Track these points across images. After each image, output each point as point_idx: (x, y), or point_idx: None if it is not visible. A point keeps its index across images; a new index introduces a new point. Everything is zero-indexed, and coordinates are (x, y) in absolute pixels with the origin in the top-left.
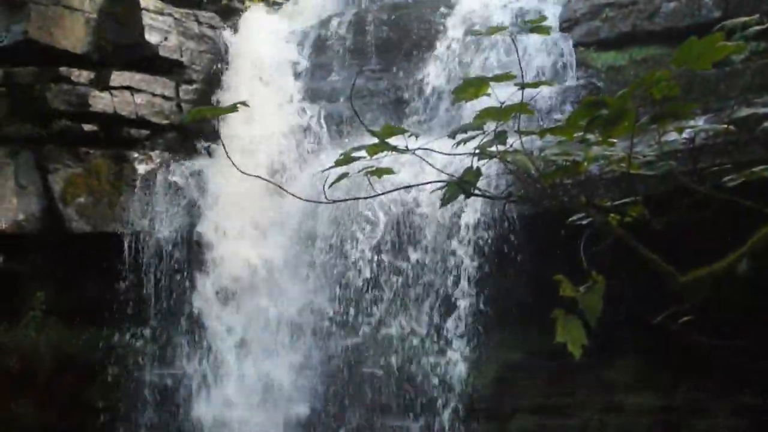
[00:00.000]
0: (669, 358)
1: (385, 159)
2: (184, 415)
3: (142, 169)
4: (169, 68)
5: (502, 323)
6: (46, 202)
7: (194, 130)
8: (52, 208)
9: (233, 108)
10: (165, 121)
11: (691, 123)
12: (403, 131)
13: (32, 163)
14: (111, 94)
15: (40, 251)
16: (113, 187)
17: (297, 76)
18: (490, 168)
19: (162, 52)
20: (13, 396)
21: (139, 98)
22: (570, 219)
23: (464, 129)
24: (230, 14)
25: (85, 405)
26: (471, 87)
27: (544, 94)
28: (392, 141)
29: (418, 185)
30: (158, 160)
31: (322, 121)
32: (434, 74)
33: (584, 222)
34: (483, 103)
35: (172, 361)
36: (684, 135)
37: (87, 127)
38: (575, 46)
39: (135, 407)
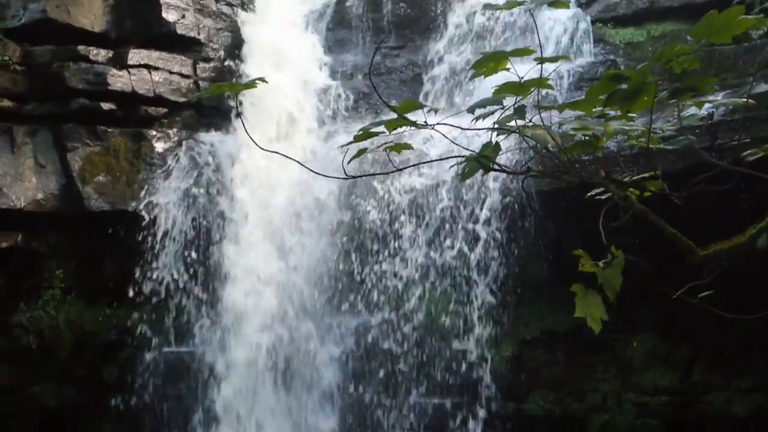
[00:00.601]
0: (686, 335)
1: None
2: (201, 392)
3: (159, 147)
4: (187, 46)
5: (520, 300)
6: (65, 180)
7: (211, 108)
8: (70, 186)
9: (252, 84)
10: (182, 99)
11: (711, 98)
12: (421, 106)
13: (51, 142)
14: (129, 73)
15: (59, 229)
16: (131, 165)
17: (314, 53)
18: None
19: (179, 30)
20: (33, 373)
21: (156, 76)
22: (589, 194)
23: (483, 104)
24: None
25: (102, 382)
26: (490, 61)
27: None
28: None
29: (437, 160)
30: (176, 138)
31: (341, 97)
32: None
33: (603, 197)
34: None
35: (190, 338)
36: (704, 110)
37: (105, 105)
38: (593, 22)
39: (152, 384)
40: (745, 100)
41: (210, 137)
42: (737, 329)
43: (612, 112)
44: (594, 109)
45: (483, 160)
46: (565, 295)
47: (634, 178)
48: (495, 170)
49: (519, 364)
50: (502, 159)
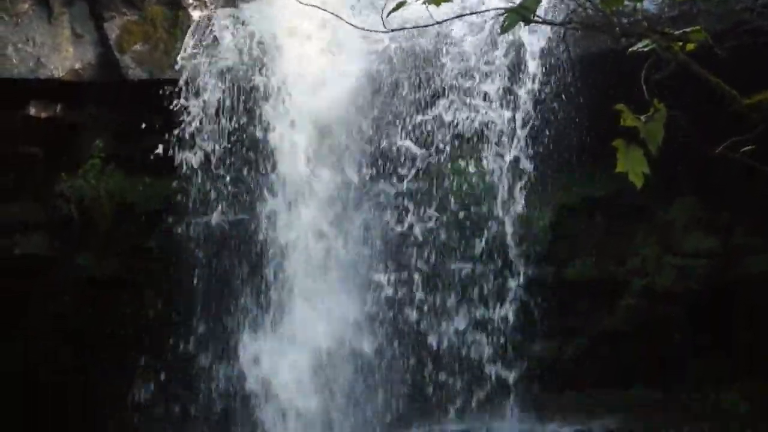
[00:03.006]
0: (727, 197)
1: None
2: (249, 260)
3: (197, 15)
4: None
5: (560, 166)
6: (102, 50)
7: None
8: (108, 55)
9: None
10: None
11: None
12: None
13: (87, 12)
14: None
15: (98, 100)
16: (169, 34)
17: None
18: None
19: None
20: (75, 244)
21: None
22: (631, 48)
23: None
24: None
25: (144, 252)
26: None
27: None
28: None
29: (478, 13)
30: (213, 6)
31: None
32: None
33: (645, 48)
34: None
35: (234, 207)
36: None
37: None
38: None
39: (195, 253)
40: None
41: (248, 5)
42: None
43: None
44: None
45: (523, 11)
46: (604, 161)
47: (677, 32)
48: (536, 22)
49: (558, 229)
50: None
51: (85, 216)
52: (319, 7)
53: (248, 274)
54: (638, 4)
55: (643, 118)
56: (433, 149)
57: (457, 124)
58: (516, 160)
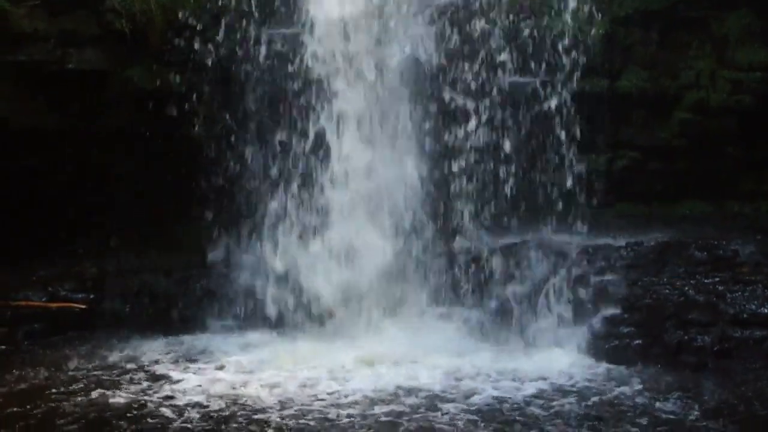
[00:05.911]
0: None
1: None
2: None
3: None
4: None
5: None
6: None
7: None
8: None
9: None
10: None
11: None
12: None
13: None
14: None
15: None
16: None
17: None
18: None
19: None
20: (127, 57)
21: None
22: None
23: None
24: None
25: (197, 63)
26: None
27: None
28: None
29: None
30: None
31: None
32: None
33: None
34: None
35: (286, 19)
36: None
37: None
38: None
39: (251, 67)
40: None
41: None
42: None
43: None
44: None
45: None
46: None
47: None
48: None
49: (612, 42)
50: None
51: (137, 30)
52: None
53: (298, 89)
54: None
55: None
56: None
57: None
58: None
